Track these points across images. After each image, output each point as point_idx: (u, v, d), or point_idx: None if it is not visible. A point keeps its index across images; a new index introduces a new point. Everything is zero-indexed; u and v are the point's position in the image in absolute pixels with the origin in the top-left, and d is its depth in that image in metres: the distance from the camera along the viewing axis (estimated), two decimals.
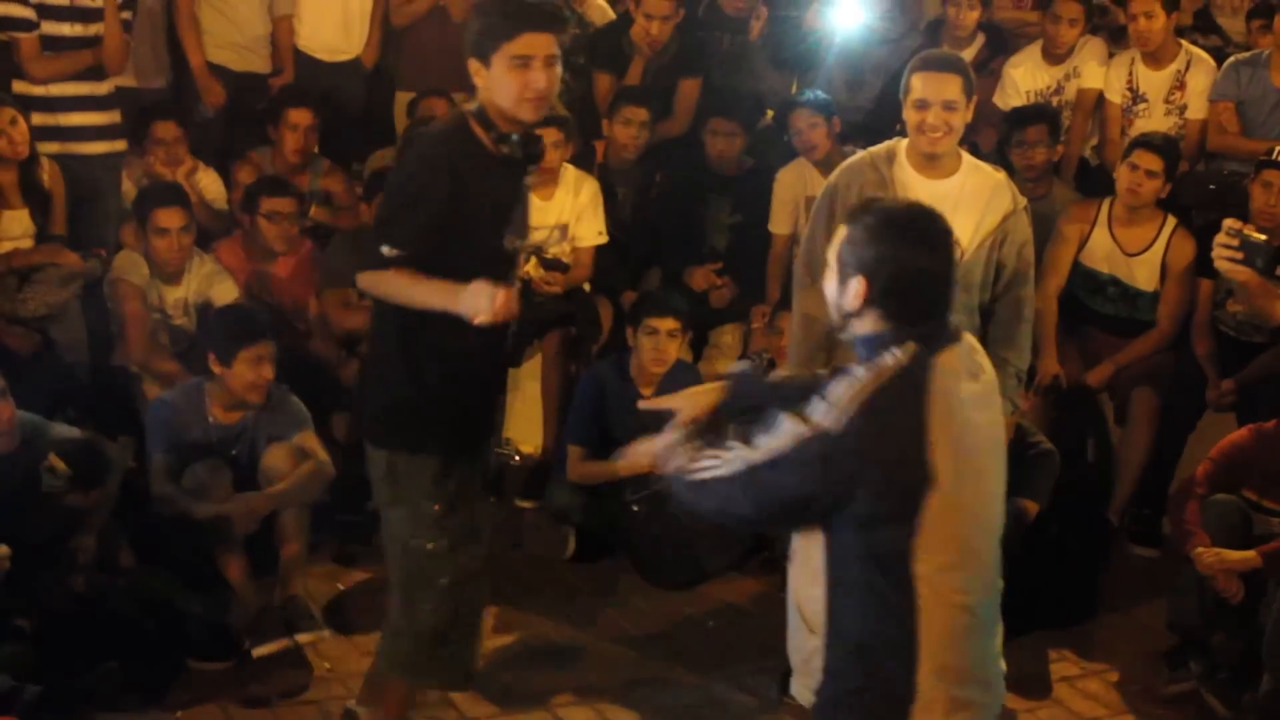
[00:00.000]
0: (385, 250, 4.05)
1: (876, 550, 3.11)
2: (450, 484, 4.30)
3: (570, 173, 6.95)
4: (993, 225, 5.01)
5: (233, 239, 6.69)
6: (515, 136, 4.15)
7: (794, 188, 7.06)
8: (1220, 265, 4.23)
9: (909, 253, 3.17)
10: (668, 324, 6.21)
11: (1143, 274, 6.75)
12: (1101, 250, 6.76)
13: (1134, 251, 6.71)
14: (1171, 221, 6.70)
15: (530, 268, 6.73)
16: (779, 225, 7.14)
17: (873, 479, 3.06)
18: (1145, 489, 6.64)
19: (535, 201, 6.75)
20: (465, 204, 4.08)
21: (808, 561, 3.26)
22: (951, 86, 4.90)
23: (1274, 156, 6.50)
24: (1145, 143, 6.70)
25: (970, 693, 3.21)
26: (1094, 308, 6.87)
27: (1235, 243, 4.15)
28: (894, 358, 3.12)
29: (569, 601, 5.87)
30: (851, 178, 5.08)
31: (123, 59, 6.85)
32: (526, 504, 6.56)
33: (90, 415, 5.90)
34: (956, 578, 3.14)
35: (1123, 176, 6.65)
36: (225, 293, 6.34)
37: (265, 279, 6.61)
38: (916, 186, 5.00)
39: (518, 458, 6.85)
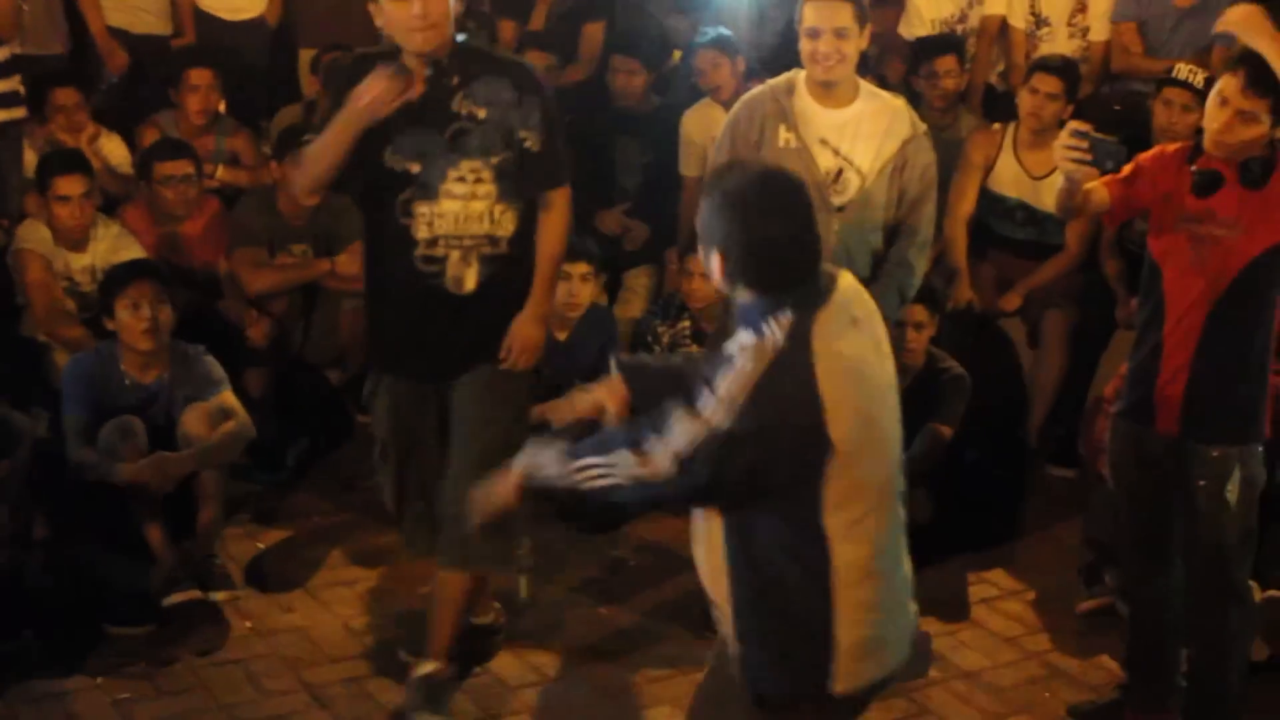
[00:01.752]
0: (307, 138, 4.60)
1: (786, 517, 3.15)
2: (384, 402, 4.71)
3: None
4: (892, 151, 5.04)
5: (137, 203, 6.64)
6: (410, 66, 4.35)
7: (701, 129, 7.05)
8: (1065, 167, 4.31)
9: (756, 223, 3.16)
10: (580, 268, 6.20)
11: (1050, 197, 6.70)
12: (1008, 175, 6.81)
13: (1040, 175, 6.74)
14: None
15: None
16: (688, 168, 7.13)
17: (773, 462, 3.08)
18: (1060, 409, 6.72)
19: None
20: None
21: (706, 530, 3.30)
22: (842, 14, 4.92)
23: (1175, 75, 6.55)
24: (1044, 65, 6.74)
25: (884, 630, 3.28)
26: (1003, 233, 6.92)
27: (1084, 144, 4.22)
28: (771, 337, 3.10)
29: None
30: (752, 110, 5.12)
31: (13, 25, 6.73)
32: None
33: None
34: (865, 525, 3.18)
35: (1024, 101, 6.69)
36: (131, 256, 6.27)
37: (174, 240, 6.57)
38: (815, 116, 5.04)
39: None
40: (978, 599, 5.71)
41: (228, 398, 5.62)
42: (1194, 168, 4.43)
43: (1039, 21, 7.55)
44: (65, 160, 6.34)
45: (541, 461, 3.32)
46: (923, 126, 5.15)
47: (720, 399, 3.08)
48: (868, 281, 5.02)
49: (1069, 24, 7.51)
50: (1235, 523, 4.52)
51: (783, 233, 3.18)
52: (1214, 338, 4.44)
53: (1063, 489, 6.52)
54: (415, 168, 4.43)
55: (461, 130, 4.44)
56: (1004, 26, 7.67)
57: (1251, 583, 4.77)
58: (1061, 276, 6.82)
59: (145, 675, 4.96)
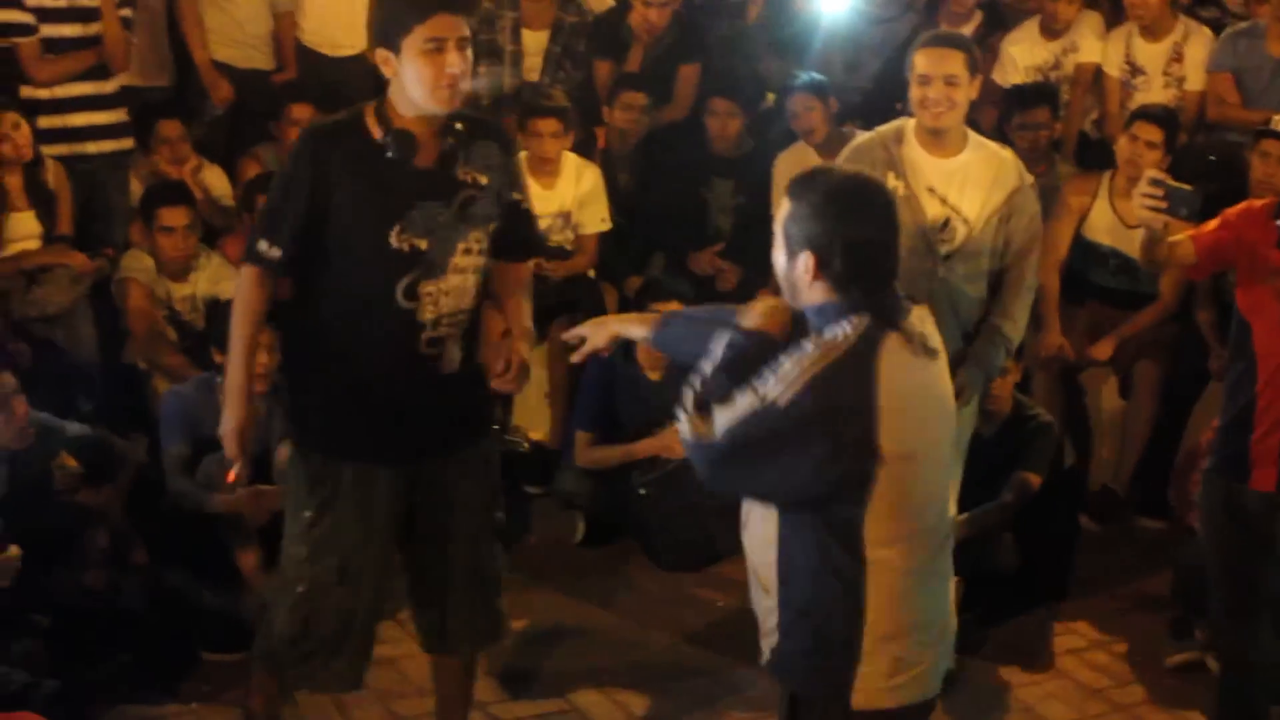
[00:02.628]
0: (262, 245, 4.01)
1: (828, 521, 3.19)
2: (323, 492, 4.16)
3: (571, 160, 6.99)
4: (999, 201, 5.08)
5: (238, 235, 6.73)
6: (411, 136, 3.96)
7: (794, 171, 7.01)
8: (1143, 216, 4.34)
9: (854, 226, 3.20)
10: (672, 308, 6.24)
11: None
12: (1103, 223, 6.79)
13: (1135, 224, 6.69)
14: None
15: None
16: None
17: (820, 454, 3.12)
18: (1152, 460, 6.68)
19: (538, 189, 6.83)
20: (341, 200, 3.96)
21: (758, 527, 3.34)
22: (953, 61, 4.96)
23: (1272, 126, 6.51)
24: (1145, 114, 6.73)
25: (912, 652, 3.30)
26: (1096, 281, 6.90)
27: (1160, 192, 4.26)
28: (844, 334, 3.17)
29: (579, 585, 5.94)
30: (859, 157, 5.15)
31: (125, 57, 6.90)
32: (536, 490, 6.60)
33: (101, 413, 5.96)
34: (904, 547, 3.22)
35: (1123, 148, 6.68)
36: (233, 288, 6.36)
37: None
38: (924, 165, 5.09)
39: (527, 444, 6.90)
40: (1064, 649, 5.68)
41: None
42: (1279, 223, 4.43)
43: (1134, 70, 7.53)
44: (169, 192, 6.48)
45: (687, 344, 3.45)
46: (1030, 178, 5.19)
47: (780, 377, 3.13)
48: (972, 332, 5.10)
49: (1164, 73, 7.49)
50: None
51: (876, 236, 3.25)
52: None
53: (1153, 540, 6.48)
54: (424, 244, 4.01)
55: (469, 199, 4.08)
56: (1099, 74, 7.66)
57: None
58: (1154, 326, 6.79)
59: (238, 702, 4.99)
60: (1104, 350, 6.80)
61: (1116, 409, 6.90)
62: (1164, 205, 4.31)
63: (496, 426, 6.60)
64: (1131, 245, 6.65)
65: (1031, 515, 5.93)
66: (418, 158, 3.99)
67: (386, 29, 3.93)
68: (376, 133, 3.97)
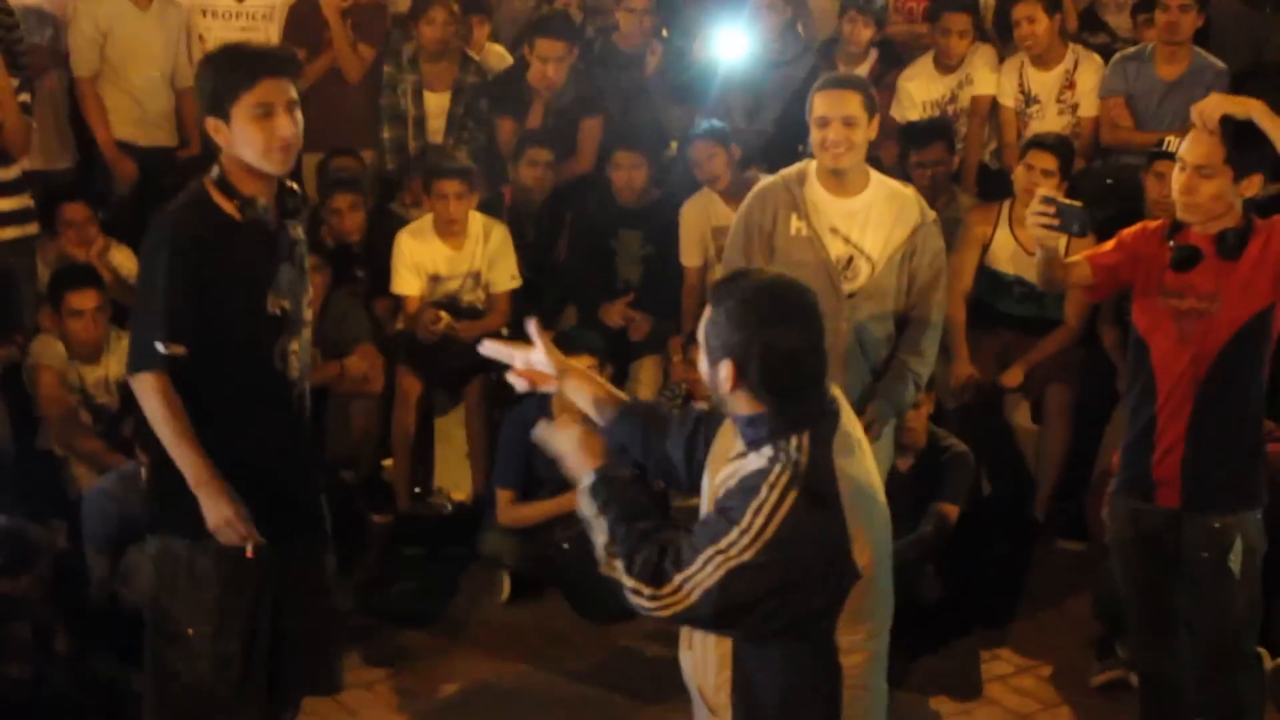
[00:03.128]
0: (161, 348, 3.93)
1: (801, 635, 3.11)
2: (225, 569, 4.09)
3: (478, 220, 7.03)
4: (902, 239, 5.17)
5: None
6: (260, 201, 4.01)
7: (700, 219, 7.13)
8: (1036, 234, 4.46)
9: (771, 334, 3.09)
10: (584, 361, 6.23)
11: None
12: (1005, 252, 6.90)
13: (1035, 249, 6.79)
14: None
15: (444, 322, 6.81)
16: (689, 258, 7.20)
17: (801, 592, 3.04)
18: (1067, 482, 6.77)
19: (446, 251, 6.88)
20: (215, 277, 3.97)
21: (705, 649, 3.26)
22: (851, 103, 5.04)
23: (1164, 147, 6.64)
24: (1038, 143, 6.84)
25: None
26: (1002, 309, 7.00)
27: (1051, 210, 4.39)
28: (793, 462, 3.05)
29: (507, 644, 5.93)
30: (764, 199, 5.25)
31: (25, 142, 6.86)
32: (460, 551, 6.60)
33: (18, 501, 5.91)
34: (871, 631, 3.17)
35: (1019, 177, 6.78)
36: None
37: None
38: (827, 205, 5.18)
39: (449, 506, 6.92)
40: (991, 676, 5.74)
41: None
42: (1172, 243, 4.52)
43: (1028, 99, 7.67)
44: (77, 275, 6.46)
45: (598, 517, 3.20)
46: (932, 214, 5.27)
47: (746, 530, 3.01)
48: (880, 370, 5.17)
49: (1058, 101, 7.62)
50: (1241, 592, 4.57)
51: (802, 342, 3.12)
52: (1206, 410, 4.51)
53: (1072, 562, 6.55)
54: (287, 304, 4.10)
55: (300, 254, 4.17)
56: (994, 105, 7.79)
57: (1261, 650, 4.81)
58: (1062, 350, 6.88)
59: None
60: (1014, 377, 6.88)
61: (1030, 434, 6.99)
62: (1056, 222, 4.44)
63: (418, 489, 6.72)
64: (1034, 272, 6.77)
65: (958, 545, 6.02)
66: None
67: (216, 98, 3.96)
68: (227, 205, 4.01)
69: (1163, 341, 4.56)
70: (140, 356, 4.00)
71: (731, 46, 7.89)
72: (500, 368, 6.85)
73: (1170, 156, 6.45)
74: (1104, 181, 7.43)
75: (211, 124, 3.99)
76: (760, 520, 3.01)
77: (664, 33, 8.26)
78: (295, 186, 4.15)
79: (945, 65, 7.82)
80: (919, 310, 5.23)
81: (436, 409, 7.10)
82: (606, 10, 8.57)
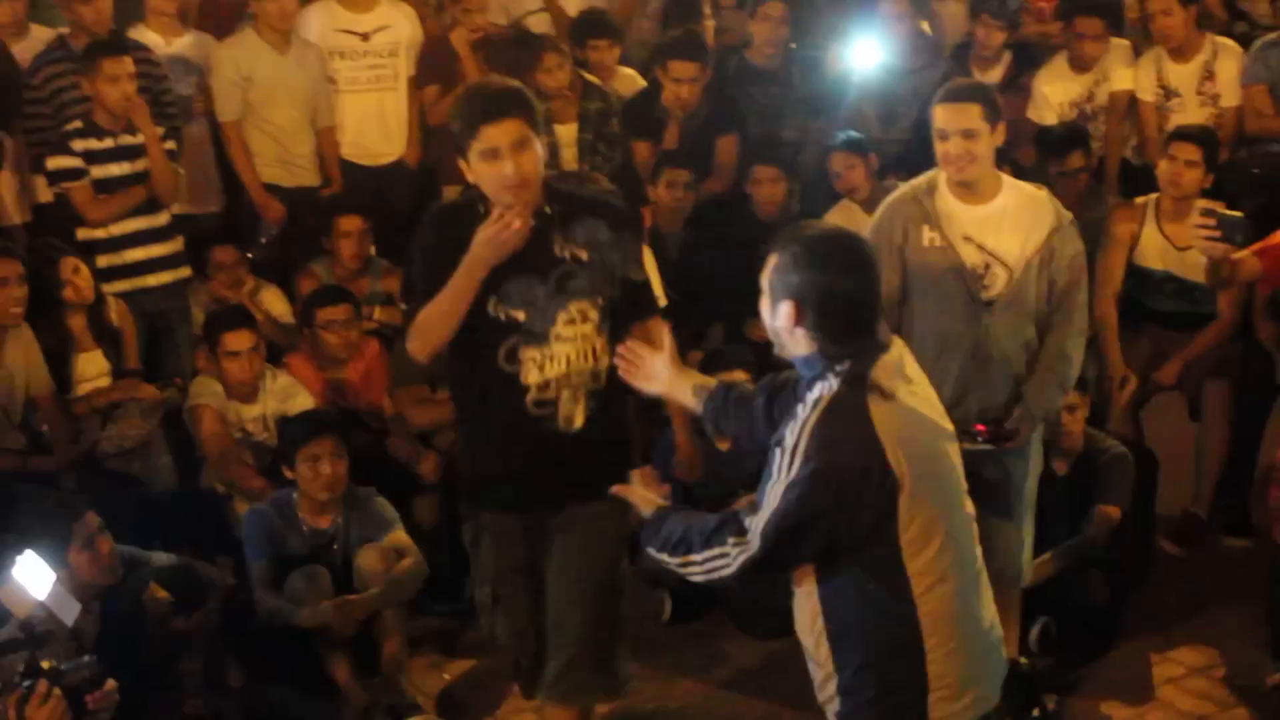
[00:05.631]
0: (404, 307, 4.48)
1: (869, 564, 3.33)
2: (470, 532, 4.66)
3: None
4: (1039, 244, 5.09)
5: (301, 351, 6.84)
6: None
7: None
8: (1200, 245, 4.40)
9: (832, 278, 3.36)
10: (738, 376, 6.27)
11: (1197, 266, 6.75)
12: (1154, 248, 6.78)
13: (1186, 245, 6.65)
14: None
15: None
16: None
17: (845, 501, 3.27)
18: (1231, 479, 6.65)
19: None
20: (444, 281, 4.30)
21: (802, 610, 3.48)
22: (969, 115, 4.99)
23: None
24: (1181, 134, 6.74)
25: (974, 668, 3.43)
26: (1153, 306, 6.88)
27: (1212, 222, 4.33)
28: (829, 386, 3.33)
29: (671, 663, 5.95)
30: (894, 212, 5.20)
31: (174, 189, 7.05)
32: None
33: (185, 541, 6.04)
34: (943, 562, 3.36)
35: (1163, 171, 6.68)
36: (301, 404, 6.47)
37: (338, 385, 6.76)
38: (958, 213, 5.11)
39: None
40: (1163, 679, 5.66)
41: (400, 536, 5.80)
42: None
43: (1168, 93, 7.57)
44: (231, 316, 6.58)
45: (659, 536, 3.56)
46: (1067, 216, 5.18)
47: (788, 451, 3.30)
48: (1025, 374, 5.11)
49: (1198, 93, 7.52)
50: None
51: (858, 287, 3.40)
52: None
53: (1240, 559, 6.44)
54: (521, 315, 4.33)
55: (567, 273, 4.35)
56: (1133, 101, 7.69)
57: None
58: (1217, 345, 6.76)
59: None
60: (1169, 374, 6.78)
61: (1188, 432, 6.87)
62: (1218, 234, 4.39)
63: None
64: (1184, 267, 6.68)
65: (1124, 546, 5.96)
66: None
67: (457, 144, 4.27)
68: (484, 212, 4.29)
69: None
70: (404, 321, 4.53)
71: (863, 56, 7.88)
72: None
73: None
74: (1251, 171, 7.31)
75: (462, 164, 4.29)
76: (794, 438, 3.30)
77: (791, 45, 8.24)
78: (549, 210, 4.33)
79: (1080, 64, 7.74)
80: (1061, 314, 5.15)
81: None
82: (737, 28, 8.58)
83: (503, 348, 4.35)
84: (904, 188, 5.29)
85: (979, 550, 3.54)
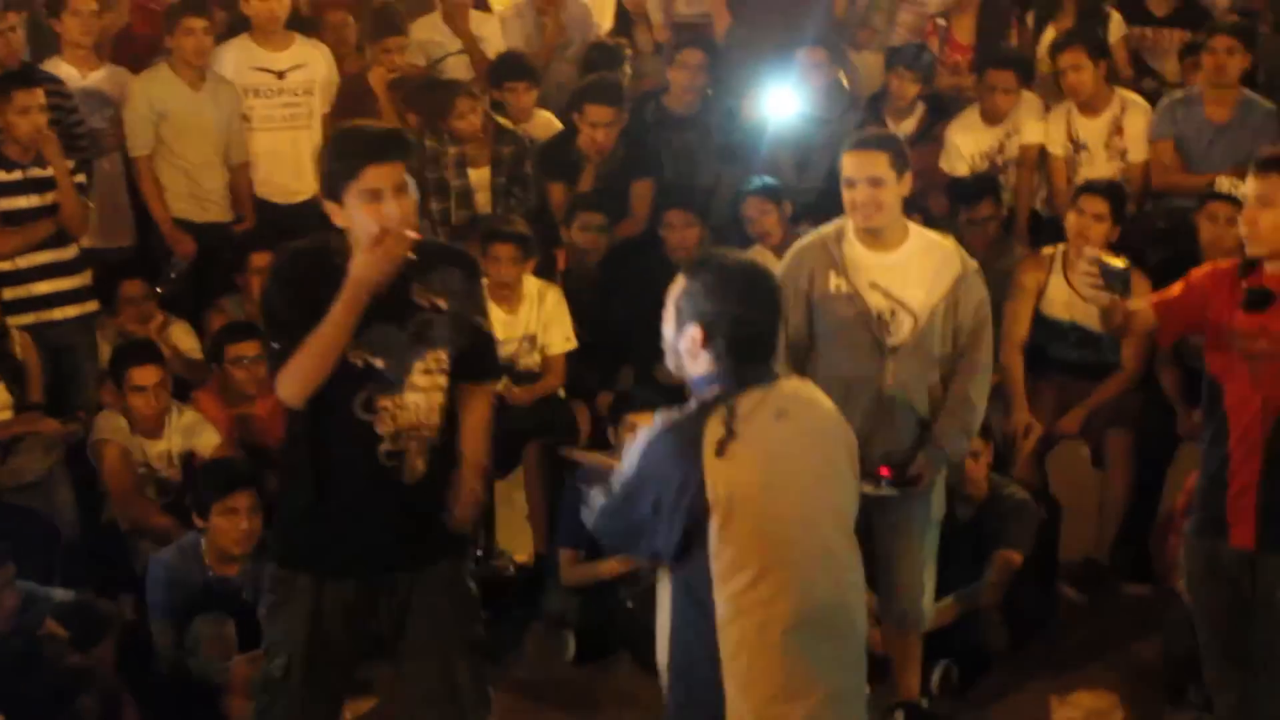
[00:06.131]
0: (275, 346, 4.24)
1: (684, 577, 3.50)
2: (283, 590, 4.35)
3: (533, 283, 7.07)
4: (944, 290, 5.15)
5: (209, 388, 6.79)
6: None
7: None
8: (1087, 294, 4.50)
9: (743, 310, 3.56)
10: (648, 419, 6.28)
11: None
12: (1060, 298, 6.85)
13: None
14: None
15: (502, 385, 6.87)
16: None
17: (662, 509, 3.45)
18: (1131, 526, 6.71)
19: (501, 315, 6.91)
20: (321, 310, 4.11)
21: (661, 618, 3.66)
22: (876, 163, 5.05)
23: (1216, 189, 6.65)
24: (1089, 188, 6.83)
25: (783, 709, 3.45)
26: (1058, 356, 6.95)
27: (1096, 270, 4.42)
28: (694, 403, 3.53)
29: (574, 704, 5.94)
30: (801, 258, 5.25)
31: (83, 222, 6.99)
32: (524, 612, 6.59)
33: (86, 577, 5.96)
34: (760, 596, 3.44)
35: (1071, 223, 6.75)
36: (207, 441, 6.44)
37: (246, 422, 6.71)
38: (864, 260, 5.16)
39: (512, 568, 6.92)
40: None
41: None
42: (1245, 284, 4.50)
43: (1077, 146, 7.67)
44: (138, 351, 6.52)
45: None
46: (973, 264, 5.24)
47: (636, 445, 3.56)
48: (930, 419, 5.15)
49: (1107, 147, 7.62)
50: None
51: (766, 321, 3.61)
52: (1279, 450, 4.47)
53: (1140, 605, 6.50)
54: (380, 363, 4.21)
55: (426, 321, 4.27)
56: (1043, 154, 7.80)
57: None
58: (1120, 394, 6.84)
59: None
60: (1073, 423, 6.86)
61: (1092, 479, 6.94)
62: (1100, 283, 4.46)
63: (481, 552, 6.71)
64: (1089, 317, 6.72)
65: (1023, 592, 6.00)
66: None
67: (329, 184, 4.17)
68: (338, 260, 4.16)
69: (1235, 384, 4.53)
70: (271, 364, 4.32)
71: (780, 105, 7.94)
72: (559, 430, 6.96)
73: (1222, 197, 6.52)
74: (1156, 225, 7.44)
75: (329, 208, 4.19)
76: (640, 441, 3.56)
77: (708, 93, 8.30)
78: (413, 256, 4.22)
79: (992, 116, 7.84)
80: (966, 360, 5.21)
81: (496, 472, 7.11)
82: (655, 74, 8.65)
83: (359, 396, 4.22)
84: (812, 235, 5.33)
85: (845, 597, 3.61)
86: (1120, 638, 6.26)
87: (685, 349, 3.59)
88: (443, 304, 4.29)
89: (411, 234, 4.14)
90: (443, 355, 4.30)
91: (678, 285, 3.64)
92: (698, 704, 3.49)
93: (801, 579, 3.49)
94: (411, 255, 4.19)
